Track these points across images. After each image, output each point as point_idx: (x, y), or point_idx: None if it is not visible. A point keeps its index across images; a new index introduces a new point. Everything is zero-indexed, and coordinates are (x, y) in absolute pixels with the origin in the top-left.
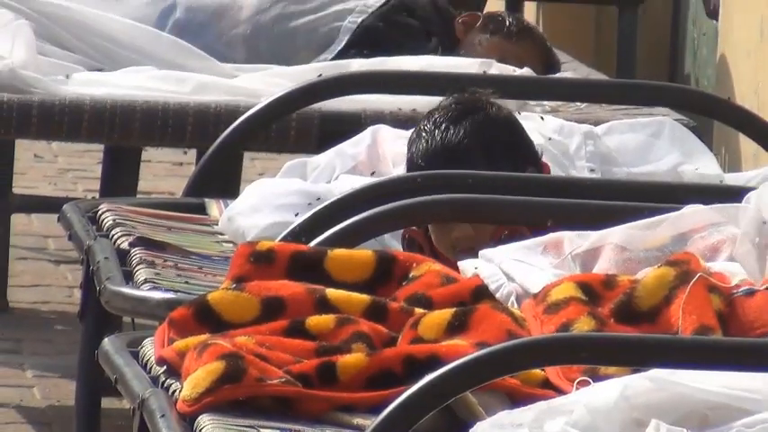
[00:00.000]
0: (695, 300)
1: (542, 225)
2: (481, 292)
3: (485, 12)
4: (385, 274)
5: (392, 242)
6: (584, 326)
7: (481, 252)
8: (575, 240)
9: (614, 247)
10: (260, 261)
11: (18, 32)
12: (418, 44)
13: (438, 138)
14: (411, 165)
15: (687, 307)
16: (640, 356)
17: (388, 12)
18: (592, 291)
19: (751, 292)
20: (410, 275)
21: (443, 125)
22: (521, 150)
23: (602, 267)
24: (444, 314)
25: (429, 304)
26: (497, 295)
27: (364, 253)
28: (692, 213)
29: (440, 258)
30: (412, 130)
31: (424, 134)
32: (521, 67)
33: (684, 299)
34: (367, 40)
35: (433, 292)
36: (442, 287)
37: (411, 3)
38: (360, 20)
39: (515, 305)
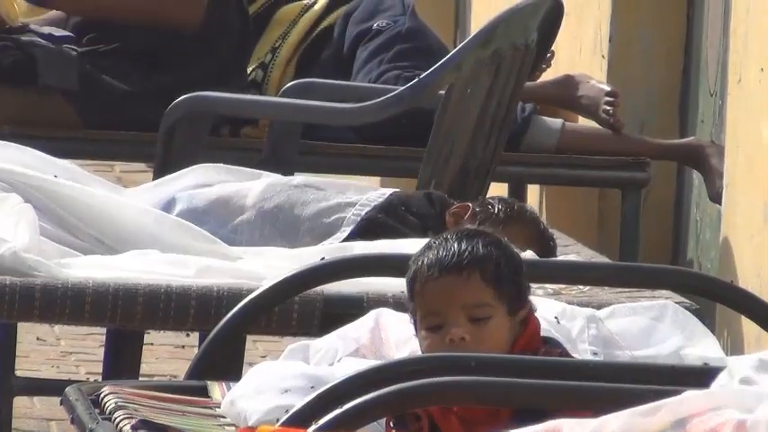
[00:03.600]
0: None
1: (546, 408)
2: None
3: (484, 197)
4: None
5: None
6: None
7: None
8: (574, 429)
9: None
10: None
11: (22, 216)
12: (416, 236)
13: (452, 247)
14: (416, 275)
15: None
16: None
17: (387, 205)
18: None
19: None
20: None
21: (457, 238)
22: (523, 281)
23: None
24: None
25: None
26: None
27: None
28: (692, 398)
29: (440, 426)
30: None
31: (435, 245)
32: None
33: None
34: (368, 230)
35: None
36: None
37: (407, 199)
38: (363, 212)
39: None
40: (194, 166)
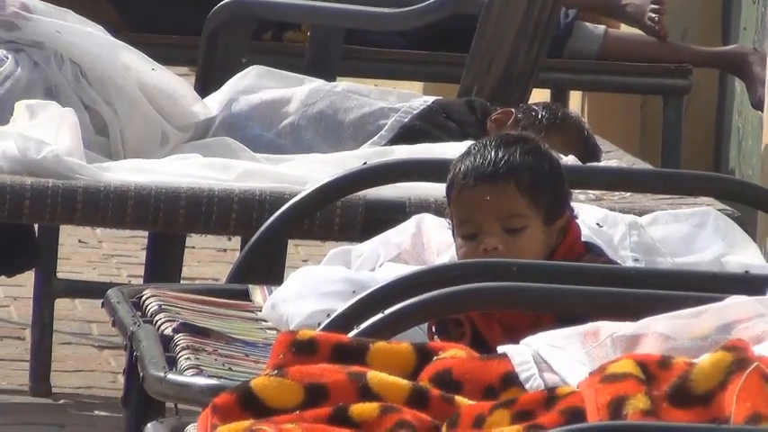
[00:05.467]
0: (750, 387)
1: (586, 315)
2: (511, 380)
3: (527, 103)
4: (425, 367)
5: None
6: (639, 404)
7: (523, 340)
8: (614, 330)
9: (658, 335)
10: (301, 351)
11: (63, 121)
12: (454, 142)
13: (488, 155)
14: (452, 182)
15: (742, 393)
16: None
17: (428, 113)
18: (647, 370)
19: None
20: (434, 358)
21: (495, 146)
22: (562, 190)
23: None
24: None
25: (457, 386)
26: (527, 386)
27: (405, 347)
28: (737, 304)
29: (482, 332)
30: None
31: (473, 151)
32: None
33: (740, 386)
34: (406, 138)
35: (461, 372)
36: (469, 363)
37: (447, 105)
38: (405, 119)
39: None
40: (248, 69)
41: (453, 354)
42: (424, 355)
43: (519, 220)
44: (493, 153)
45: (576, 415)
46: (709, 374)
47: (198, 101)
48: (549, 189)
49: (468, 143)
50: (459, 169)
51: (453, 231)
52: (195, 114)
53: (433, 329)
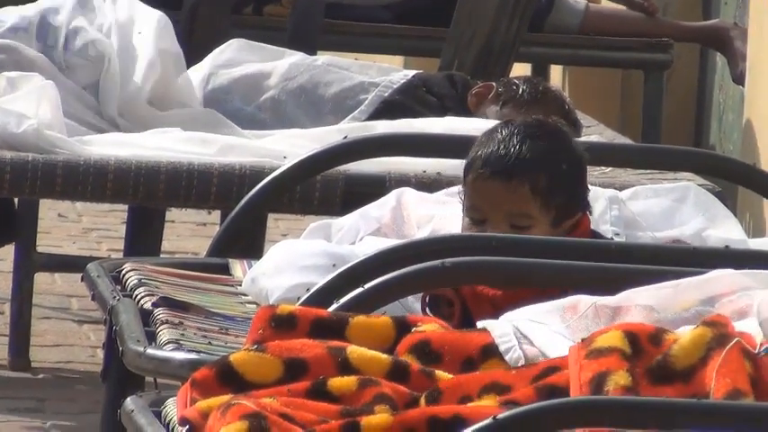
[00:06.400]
0: (730, 363)
1: (566, 288)
2: (490, 351)
3: (508, 77)
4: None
5: (415, 305)
6: (620, 380)
7: (503, 315)
8: (595, 304)
9: (643, 308)
10: (281, 326)
11: (43, 94)
12: (434, 116)
13: (511, 148)
14: (471, 164)
15: (722, 370)
16: (666, 421)
17: (408, 87)
18: (637, 343)
19: None
20: (412, 330)
21: (521, 138)
22: (578, 191)
23: None
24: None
25: (437, 357)
26: (506, 357)
27: (384, 321)
28: (721, 277)
29: (472, 312)
30: (437, 192)
31: (499, 137)
32: None
33: (720, 362)
34: (386, 112)
35: (440, 343)
36: (449, 334)
37: (428, 79)
38: (385, 93)
39: None
40: (228, 42)
41: (432, 327)
42: (403, 328)
43: (527, 220)
44: (516, 146)
45: (552, 392)
46: (690, 351)
47: (192, 91)
48: (565, 193)
49: (449, 118)
50: (480, 154)
51: (463, 208)
52: (181, 103)
53: (427, 302)
